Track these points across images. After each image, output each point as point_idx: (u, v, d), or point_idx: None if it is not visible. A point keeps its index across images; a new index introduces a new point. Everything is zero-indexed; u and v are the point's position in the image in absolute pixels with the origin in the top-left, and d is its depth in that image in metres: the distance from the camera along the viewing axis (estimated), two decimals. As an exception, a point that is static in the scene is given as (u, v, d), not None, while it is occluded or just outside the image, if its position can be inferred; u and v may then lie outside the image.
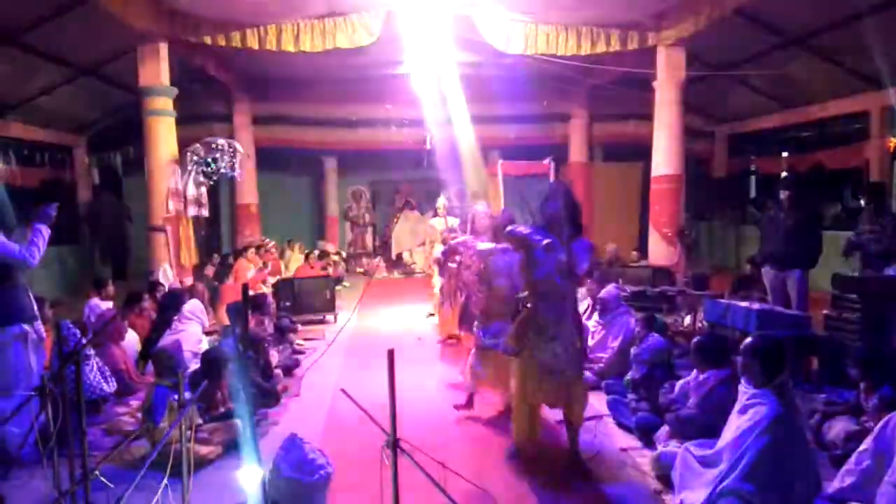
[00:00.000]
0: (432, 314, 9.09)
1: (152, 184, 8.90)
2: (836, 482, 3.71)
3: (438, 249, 8.38)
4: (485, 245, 5.49)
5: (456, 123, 12.01)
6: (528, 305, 4.23)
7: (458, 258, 6.44)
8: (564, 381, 4.08)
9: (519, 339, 4.17)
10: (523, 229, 4.21)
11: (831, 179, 11.65)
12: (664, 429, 4.36)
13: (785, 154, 13.03)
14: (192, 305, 6.75)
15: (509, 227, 4.44)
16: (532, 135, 14.45)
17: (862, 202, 6.59)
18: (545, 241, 3.97)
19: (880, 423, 3.69)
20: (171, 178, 8.87)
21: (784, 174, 12.04)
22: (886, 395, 3.84)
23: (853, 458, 3.72)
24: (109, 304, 6.91)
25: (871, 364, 4.26)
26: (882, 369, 4.24)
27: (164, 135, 8.90)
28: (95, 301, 6.84)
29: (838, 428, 4.24)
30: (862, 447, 3.70)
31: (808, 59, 9.81)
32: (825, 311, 6.35)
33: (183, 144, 9.20)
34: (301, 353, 7.33)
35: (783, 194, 6.75)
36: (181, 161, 9.05)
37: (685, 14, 8.54)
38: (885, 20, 7.33)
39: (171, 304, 6.96)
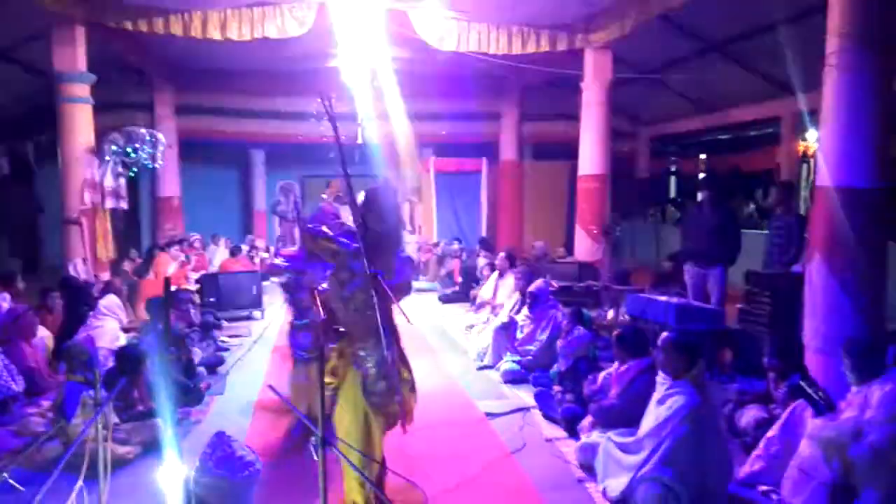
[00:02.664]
0: None
1: (67, 174, 8.46)
2: (747, 467, 3.92)
3: None
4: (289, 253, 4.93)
5: (389, 119, 11.96)
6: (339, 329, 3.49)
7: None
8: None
9: (335, 374, 3.41)
10: (326, 228, 3.45)
11: (746, 180, 12.25)
12: (588, 419, 4.48)
13: (703, 156, 13.63)
14: (109, 301, 6.47)
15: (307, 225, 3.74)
16: (464, 132, 14.55)
17: (770, 200, 6.96)
18: (355, 246, 3.19)
19: (787, 411, 3.92)
20: (88, 169, 8.46)
21: (702, 175, 12.58)
22: (795, 383, 4.07)
23: (762, 444, 3.94)
24: (6, 300, 6.52)
25: (780, 355, 4.51)
26: (790, 360, 4.50)
27: (80, 123, 8.47)
28: (4, 296, 6.45)
29: (749, 416, 4.46)
30: (770, 433, 3.93)
31: (725, 65, 10.27)
32: (739, 306, 6.68)
33: (100, 133, 8.79)
34: (226, 350, 7.14)
35: (701, 194, 7.05)
36: (98, 151, 8.64)
37: (612, 18, 8.77)
38: (797, 29, 7.74)
39: (83, 300, 6.66)
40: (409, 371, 3.55)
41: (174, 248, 10.20)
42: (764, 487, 3.78)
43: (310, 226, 3.46)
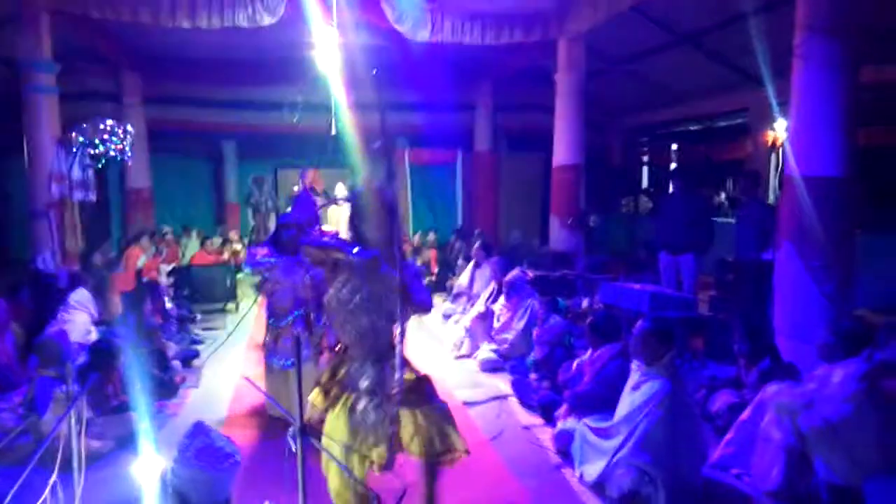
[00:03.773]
0: None
1: (33, 166, 8.26)
2: (720, 450, 4.00)
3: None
4: (261, 254, 4.71)
5: (362, 109, 11.87)
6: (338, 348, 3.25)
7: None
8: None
9: (326, 394, 3.10)
10: (329, 239, 3.29)
11: (717, 170, 12.42)
12: (564, 406, 4.53)
13: (675, 146, 13.79)
14: (80, 295, 6.36)
15: (309, 239, 3.61)
16: (438, 123, 14.51)
17: (737, 189, 7.07)
18: (371, 256, 2.87)
19: (758, 395, 4.01)
20: (55, 160, 8.27)
21: (674, 165, 12.73)
22: (765, 367, 4.17)
23: (734, 428, 4.03)
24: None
25: (750, 341, 4.61)
26: (760, 346, 4.60)
27: (45, 113, 8.26)
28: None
29: (721, 400, 4.56)
30: (742, 417, 4.02)
31: (696, 57, 10.37)
32: (710, 293, 6.79)
33: (67, 124, 8.60)
34: (200, 343, 7.07)
35: (673, 184, 7.14)
36: (65, 142, 8.45)
37: (585, 9, 8.81)
38: (766, 21, 7.85)
39: (52, 294, 6.53)
40: (427, 414, 2.99)
41: (144, 239, 10.04)
42: (736, 470, 3.87)
43: (310, 239, 3.27)
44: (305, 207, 4.98)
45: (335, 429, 2.97)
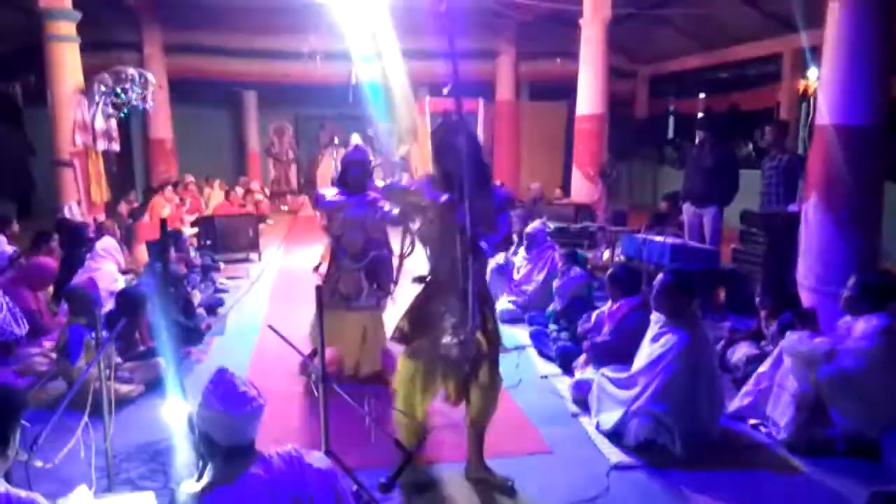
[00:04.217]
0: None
1: (56, 115, 8.32)
2: (737, 401, 4.02)
3: None
4: (331, 194, 4.63)
5: (384, 57, 11.68)
6: (424, 286, 3.32)
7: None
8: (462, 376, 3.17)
9: (412, 328, 3.26)
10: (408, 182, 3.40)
11: (745, 120, 12.12)
12: (582, 357, 4.56)
13: (702, 95, 13.44)
14: (106, 243, 6.47)
15: (388, 182, 3.79)
16: (460, 71, 14.25)
17: (765, 140, 6.88)
18: (443, 198, 3.01)
19: (777, 348, 4.00)
20: (78, 110, 8.32)
21: (701, 115, 12.43)
22: (786, 320, 4.15)
23: (752, 380, 4.04)
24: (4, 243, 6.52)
25: (772, 293, 4.57)
26: (782, 298, 4.56)
27: (67, 62, 8.28)
28: (1, 239, 6.44)
29: (741, 352, 4.56)
30: (761, 369, 4.02)
31: (727, 1, 10.02)
32: (733, 246, 6.72)
33: (89, 73, 8.61)
34: (224, 291, 7.19)
35: (699, 135, 6.99)
36: (88, 91, 8.48)
37: (612, -49, 8.52)
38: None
39: (80, 242, 6.65)
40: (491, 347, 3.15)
41: (168, 190, 10.14)
42: (753, 421, 3.90)
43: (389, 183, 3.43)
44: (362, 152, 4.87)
45: (419, 352, 3.16)
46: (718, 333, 5.07)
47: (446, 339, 3.04)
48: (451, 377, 3.15)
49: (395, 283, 4.49)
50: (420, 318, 3.21)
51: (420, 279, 3.30)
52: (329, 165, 15.62)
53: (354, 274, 4.54)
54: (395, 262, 4.24)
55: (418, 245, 3.46)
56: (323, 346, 3.02)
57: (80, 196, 8.46)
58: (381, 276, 4.61)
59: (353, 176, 4.57)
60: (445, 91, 3.14)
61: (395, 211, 3.74)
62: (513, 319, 6.05)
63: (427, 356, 3.15)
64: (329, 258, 4.97)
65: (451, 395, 3.22)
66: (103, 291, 5.88)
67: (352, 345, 4.59)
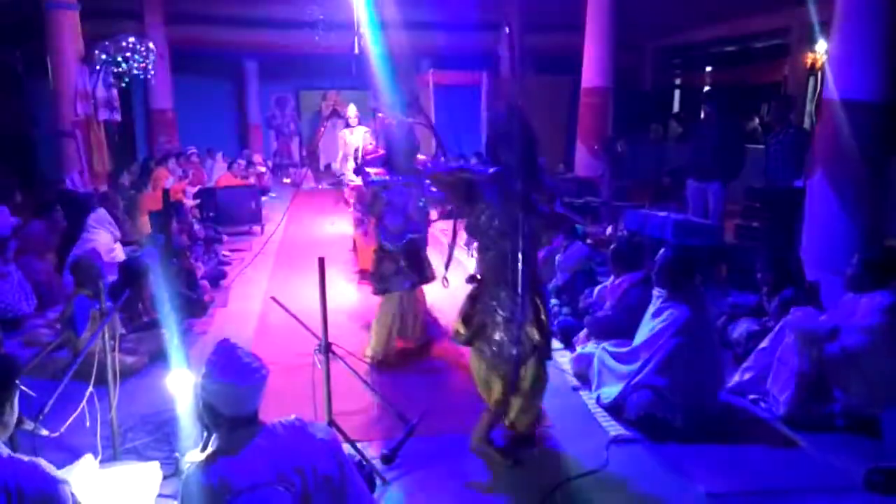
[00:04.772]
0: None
1: (58, 85, 8.28)
2: (737, 376, 4.04)
3: (352, 165, 7.75)
4: (374, 172, 4.60)
5: (386, 28, 11.54)
6: (478, 277, 3.30)
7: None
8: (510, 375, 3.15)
9: (469, 330, 3.27)
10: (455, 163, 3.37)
11: (752, 95, 12.00)
12: (583, 331, 4.58)
13: (709, 69, 13.29)
14: (98, 215, 6.45)
15: (435, 165, 3.70)
16: (464, 44, 14.10)
17: (770, 115, 6.83)
18: (492, 170, 3.05)
19: (779, 324, 4.01)
20: (79, 79, 8.26)
21: (707, 89, 12.31)
22: (787, 295, 4.14)
23: (753, 356, 4.05)
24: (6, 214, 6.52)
25: (773, 269, 4.56)
26: (783, 274, 4.55)
27: (67, 30, 8.22)
28: (3, 209, 6.44)
29: (742, 328, 4.56)
30: (762, 345, 4.03)
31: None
32: (736, 222, 6.69)
33: (89, 42, 8.52)
34: (227, 264, 7.20)
35: (705, 109, 6.93)
36: (89, 60, 8.41)
37: (620, -81, 8.36)
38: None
39: (84, 212, 6.65)
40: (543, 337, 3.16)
41: (171, 162, 10.10)
42: (753, 396, 3.92)
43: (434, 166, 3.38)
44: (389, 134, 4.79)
45: (481, 351, 3.20)
46: (720, 309, 5.07)
47: (498, 337, 3.08)
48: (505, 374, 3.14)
49: (446, 266, 4.27)
50: (472, 319, 3.24)
51: (472, 278, 3.31)
52: (332, 139, 15.56)
53: (393, 255, 4.50)
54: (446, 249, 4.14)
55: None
56: (325, 315, 3.03)
57: (83, 166, 8.44)
58: (418, 260, 4.57)
59: (399, 154, 4.49)
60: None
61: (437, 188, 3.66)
62: (515, 293, 6.05)
63: (487, 355, 3.19)
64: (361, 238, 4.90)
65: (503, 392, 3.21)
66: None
67: (394, 323, 4.57)
